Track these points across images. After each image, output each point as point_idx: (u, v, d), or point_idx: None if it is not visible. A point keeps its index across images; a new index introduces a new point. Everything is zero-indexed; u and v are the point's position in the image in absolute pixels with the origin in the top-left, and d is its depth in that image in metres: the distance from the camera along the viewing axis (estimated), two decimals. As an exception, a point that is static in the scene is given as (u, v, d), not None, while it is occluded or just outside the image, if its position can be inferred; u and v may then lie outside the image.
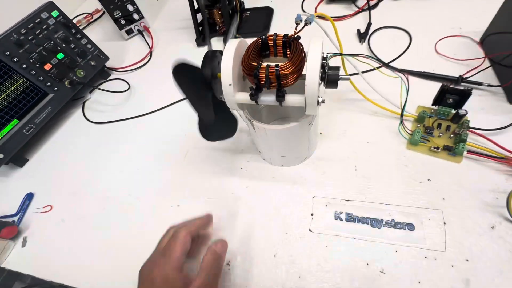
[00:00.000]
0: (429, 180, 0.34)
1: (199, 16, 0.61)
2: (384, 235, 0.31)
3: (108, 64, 0.62)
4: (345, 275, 0.30)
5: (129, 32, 0.70)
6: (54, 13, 0.52)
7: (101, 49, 0.59)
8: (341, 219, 0.33)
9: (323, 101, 0.27)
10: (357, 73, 0.39)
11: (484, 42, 0.45)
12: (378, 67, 0.44)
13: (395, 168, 0.36)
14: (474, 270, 0.28)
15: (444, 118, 0.37)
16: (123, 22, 0.68)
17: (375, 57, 0.39)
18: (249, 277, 0.31)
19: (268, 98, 0.28)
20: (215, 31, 0.62)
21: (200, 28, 0.62)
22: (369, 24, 0.53)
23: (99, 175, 0.46)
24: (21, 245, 0.41)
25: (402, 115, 0.37)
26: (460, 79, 0.41)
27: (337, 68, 0.27)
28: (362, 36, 0.52)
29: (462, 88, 0.35)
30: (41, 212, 0.44)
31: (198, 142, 0.45)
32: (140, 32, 0.70)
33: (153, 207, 0.40)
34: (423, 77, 0.44)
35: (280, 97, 0.27)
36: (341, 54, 0.35)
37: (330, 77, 0.27)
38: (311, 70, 0.24)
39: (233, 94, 0.28)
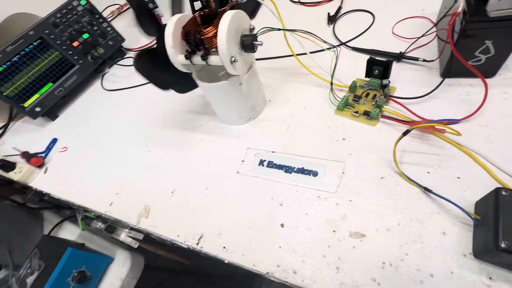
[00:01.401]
0: (343, 139, 0.39)
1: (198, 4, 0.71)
2: (292, 178, 0.37)
3: (125, 45, 0.76)
4: (253, 205, 0.37)
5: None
6: (83, 1, 0.66)
7: (118, 32, 0.73)
8: (263, 166, 0.40)
9: (235, 60, 0.34)
10: (305, 53, 0.44)
11: (438, 23, 0.46)
12: (323, 50, 0.48)
13: (320, 129, 0.41)
14: (353, 207, 0.32)
15: (374, 88, 0.41)
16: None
17: (313, 34, 0.44)
18: (184, 204, 0.40)
19: (198, 58, 0.36)
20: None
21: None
22: (339, 8, 0.57)
23: (103, 128, 0.59)
24: (43, 172, 0.55)
25: (331, 83, 0.42)
26: (400, 55, 0.44)
27: (251, 35, 0.34)
28: (331, 19, 0.56)
29: (384, 59, 0.38)
30: (59, 151, 0.58)
31: (176, 105, 0.55)
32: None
33: (133, 151, 0.51)
34: (372, 54, 0.47)
35: (203, 56, 0.35)
36: (278, 29, 0.41)
37: (244, 42, 0.34)
38: (220, 33, 0.32)
39: (175, 55, 0.37)
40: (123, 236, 0.48)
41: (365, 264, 0.29)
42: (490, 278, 0.25)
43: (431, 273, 0.26)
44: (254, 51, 0.36)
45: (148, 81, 0.40)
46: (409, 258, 0.28)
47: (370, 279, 0.28)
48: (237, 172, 0.41)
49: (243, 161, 0.42)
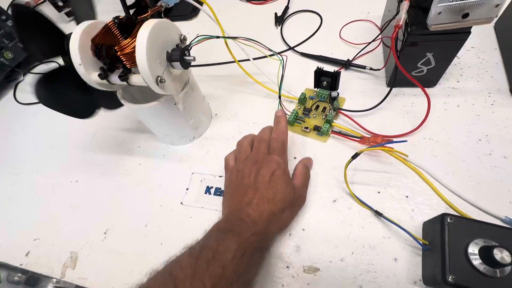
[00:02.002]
0: (294, 158, 0.36)
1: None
2: (242, 207, 0.34)
3: (43, 46, 0.63)
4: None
5: (69, 14, 0.70)
6: (-27, -6, 0.52)
7: (31, 31, 0.60)
8: (210, 193, 0.36)
9: (162, 80, 0.28)
10: (248, 59, 0.40)
11: (383, 29, 0.45)
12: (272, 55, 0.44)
13: (270, 147, 0.38)
14: (306, 238, 0.30)
15: (324, 100, 0.39)
16: (61, 4, 0.68)
17: (256, 41, 0.40)
18: (120, 247, 0.34)
19: (117, 78, 0.30)
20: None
21: (132, 10, 0.63)
22: (287, 8, 0.54)
23: (14, 153, 0.48)
24: None
25: (279, 96, 0.39)
26: (348, 63, 0.42)
27: (179, 50, 0.29)
28: (278, 20, 0.53)
29: (332, 71, 0.36)
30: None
31: (108, 122, 0.47)
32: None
33: (55, 183, 0.42)
34: (320, 61, 0.45)
35: (122, 76, 0.28)
36: (217, 37, 0.36)
37: (172, 57, 0.29)
38: (138, 50, 0.26)
39: (87, 74, 0.30)
40: None
41: (321, 301, 0.27)
42: (439, 306, 0.25)
43: (385, 306, 0.26)
44: (187, 68, 0.30)
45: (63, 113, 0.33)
46: (363, 291, 0.26)
47: (326, 317, 0.26)
48: (181, 203, 0.36)
49: (187, 189, 0.37)
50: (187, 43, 0.33)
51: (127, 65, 0.28)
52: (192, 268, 0.22)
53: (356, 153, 0.29)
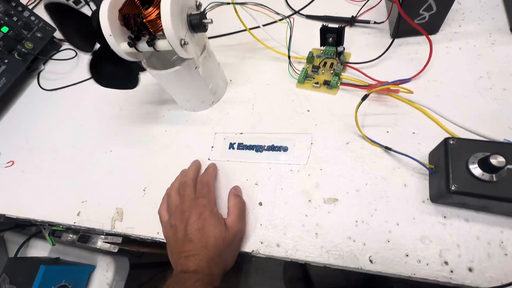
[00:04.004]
0: (308, 110, 0.39)
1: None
2: (263, 157, 0.38)
3: (58, 35, 0.66)
4: (229, 189, 0.36)
5: (77, 3, 0.73)
6: (-10, -12, 0.55)
7: (46, 21, 0.63)
8: (233, 148, 0.40)
9: (185, 43, 0.31)
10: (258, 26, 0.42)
11: (385, -19, 0.47)
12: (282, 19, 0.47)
13: (284, 104, 0.41)
14: (324, 176, 0.34)
15: (331, 56, 0.42)
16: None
17: (264, 5, 0.42)
18: (158, 200, 0.39)
19: (144, 45, 0.33)
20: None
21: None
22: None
23: (49, 134, 0.53)
24: (-9, 192, 0.49)
25: (289, 57, 0.42)
26: (352, 19, 0.44)
27: (198, 14, 0.32)
28: (281, -14, 0.54)
29: (336, 26, 0.38)
30: (5, 167, 0.52)
31: (130, 98, 0.51)
32: (86, 2, 0.72)
33: (91, 155, 0.47)
34: (325, 21, 0.47)
35: (149, 42, 0.32)
36: (228, 3, 0.39)
37: (192, 21, 0.32)
38: (163, 14, 0.29)
39: (117, 44, 0.33)
40: (100, 243, 0.46)
41: (340, 225, 0.31)
42: (445, 217, 0.28)
43: (397, 222, 0.29)
44: (205, 30, 0.33)
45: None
46: (378, 213, 0.30)
47: (346, 237, 0.30)
48: (208, 159, 0.40)
49: (212, 147, 0.41)
50: (202, 9, 0.36)
51: (153, 32, 0.31)
52: None
53: (365, 94, 0.32)
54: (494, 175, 0.24)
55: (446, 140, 0.28)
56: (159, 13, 0.30)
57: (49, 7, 0.33)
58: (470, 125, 0.32)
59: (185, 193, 0.34)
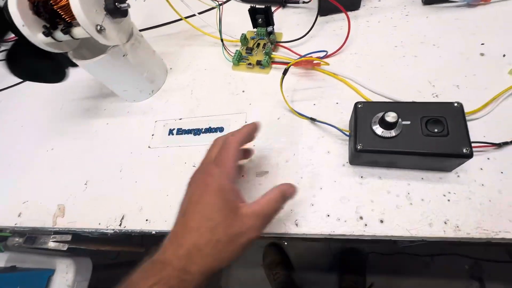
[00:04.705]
0: (243, 91, 0.40)
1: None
2: (201, 139, 0.38)
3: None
4: (168, 174, 0.37)
5: None
6: None
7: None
8: (173, 134, 0.40)
9: (102, 28, 0.31)
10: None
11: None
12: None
13: (221, 87, 0.42)
14: (256, 151, 0.35)
15: (263, 38, 0.43)
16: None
17: None
18: (100, 192, 0.38)
19: (60, 34, 0.32)
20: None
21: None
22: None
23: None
24: None
25: (222, 40, 0.42)
26: (284, 1, 0.45)
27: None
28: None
29: (262, 6, 0.39)
30: None
31: (70, 95, 0.50)
32: None
33: (32, 154, 0.46)
34: (259, 3, 0.47)
35: (64, 30, 0.31)
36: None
37: (108, 6, 0.32)
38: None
39: (34, 35, 0.32)
40: (51, 244, 0.45)
41: (271, 195, 0.32)
42: (361, 177, 0.30)
43: (321, 187, 0.31)
44: (125, 16, 0.33)
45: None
46: (303, 180, 0.32)
47: (277, 206, 0.31)
48: (149, 147, 0.40)
49: (153, 135, 0.41)
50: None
51: (67, 19, 0.31)
52: None
53: (285, 69, 0.33)
54: (392, 131, 0.26)
55: (355, 105, 0.29)
56: (69, -1, 0.29)
57: None
58: (385, 91, 0.34)
59: (210, 153, 0.27)
